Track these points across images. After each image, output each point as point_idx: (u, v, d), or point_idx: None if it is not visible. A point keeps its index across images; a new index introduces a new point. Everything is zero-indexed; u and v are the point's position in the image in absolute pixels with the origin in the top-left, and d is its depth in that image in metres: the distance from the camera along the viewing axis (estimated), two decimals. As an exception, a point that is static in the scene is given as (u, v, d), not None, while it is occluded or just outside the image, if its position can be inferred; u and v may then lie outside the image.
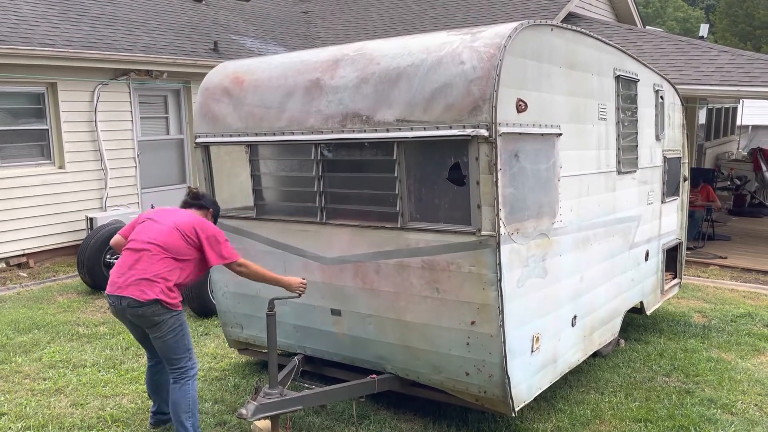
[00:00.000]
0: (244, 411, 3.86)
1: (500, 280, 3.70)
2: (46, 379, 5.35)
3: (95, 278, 7.88)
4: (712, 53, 10.68)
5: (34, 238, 9.39)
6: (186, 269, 3.99)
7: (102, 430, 4.50)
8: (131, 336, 6.28)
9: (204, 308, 6.82)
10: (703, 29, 16.86)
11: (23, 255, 9.34)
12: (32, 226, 9.33)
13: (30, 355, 5.87)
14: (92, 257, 7.82)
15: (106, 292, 4.04)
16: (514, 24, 3.82)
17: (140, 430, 4.47)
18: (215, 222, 4.38)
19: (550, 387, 4.43)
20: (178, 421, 4.00)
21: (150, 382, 4.38)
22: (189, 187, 4.54)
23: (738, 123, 20.77)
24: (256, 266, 4.14)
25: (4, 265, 9.15)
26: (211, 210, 4.39)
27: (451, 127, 3.70)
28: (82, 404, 4.89)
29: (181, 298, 4.01)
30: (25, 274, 9.00)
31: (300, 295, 4.20)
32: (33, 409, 4.81)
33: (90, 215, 9.48)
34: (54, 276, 8.96)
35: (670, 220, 6.55)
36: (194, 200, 4.36)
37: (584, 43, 4.65)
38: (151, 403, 4.58)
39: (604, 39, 4.99)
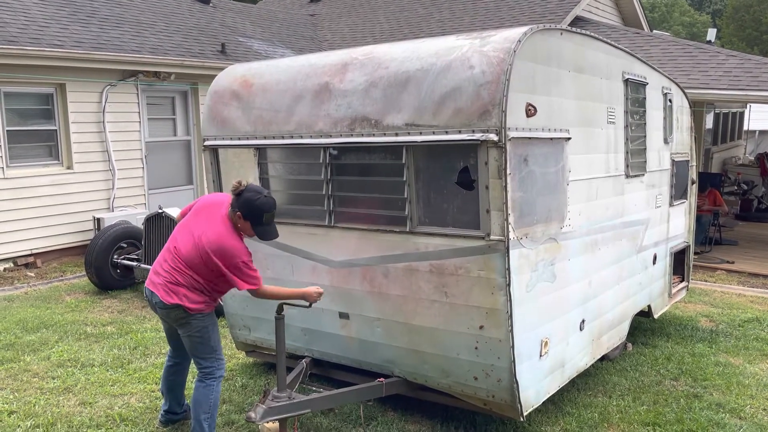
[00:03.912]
0: (252, 414, 3.87)
1: (509, 284, 3.71)
2: (54, 378, 5.38)
3: (103, 278, 7.92)
4: (720, 57, 10.66)
5: (42, 238, 9.44)
6: (210, 282, 3.93)
7: (110, 429, 4.52)
8: (139, 336, 6.37)
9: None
10: (711, 33, 16.79)
11: (31, 255, 9.38)
12: (40, 226, 9.38)
13: (38, 354, 5.90)
14: (100, 257, 7.86)
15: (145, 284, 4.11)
16: (524, 28, 3.82)
17: (149, 429, 4.49)
18: (256, 221, 3.88)
19: (557, 390, 4.43)
20: (196, 419, 4.03)
21: (166, 380, 4.41)
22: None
23: (745, 128, 20.70)
24: (272, 289, 3.99)
25: (12, 265, 9.20)
26: (239, 213, 3.86)
27: (460, 132, 3.71)
28: (90, 403, 4.92)
29: (207, 301, 3.96)
30: (32, 274, 9.04)
31: (311, 305, 4.09)
32: (42, 407, 4.83)
33: (97, 215, 9.53)
34: (61, 276, 9.00)
35: (678, 223, 6.54)
36: (234, 198, 3.90)
37: (593, 47, 4.65)
38: (161, 402, 4.59)
39: (612, 42, 4.99)
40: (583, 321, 4.63)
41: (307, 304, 4.08)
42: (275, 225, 4.02)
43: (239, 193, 3.90)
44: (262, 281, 3.92)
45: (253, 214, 3.86)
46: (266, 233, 3.97)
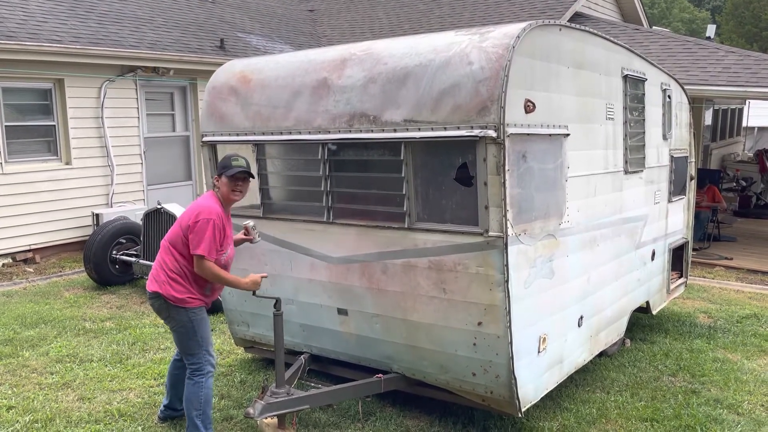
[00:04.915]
0: (251, 410, 3.88)
1: (507, 281, 3.71)
2: (53, 374, 5.38)
3: (102, 274, 7.92)
4: (720, 54, 10.65)
5: (41, 234, 9.43)
6: (190, 262, 3.92)
7: (109, 424, 4.52)
8: (137, 331, 6.37)
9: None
10: (711, 30, 16.77)
11: (29, 250, 9.38)
12: (38, 221, 9.38)
13: (37, 350, 5.91)
14: (99, 253, 7.86)
15: None
16: (523, 24, 3.82)
17: (147, 424, 4.50)
18: (227, 168, 3.97)
19: (556, 386, 4.44)
20: (189, 417, 4.04)
21: (170, 375, 4.42)
22: None
23: (744, 124, 20.70)
24: (215, 269, 3.90)
25: (11, 260, 9.19)
26: (215, 176, 4.05)
27: (459, 128, 3.71)
28: (89, 398, 4.92)
29: (191, 292, 3.95)
30: (31, 269, 9.04)
31: (255, 292, 4.06)
32: (40, 402, 4.84)
33: (96, 211, 9.51)
34: (60, 271, 9.00)
35: (677, 220, 6.54)
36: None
37: (592, 43, 4.65)
38: (159, 397, 4.59)
39: (611, 38, 4.98)
40: (581, 317, 4.63)
41: (251, 292, 4.09)
42: (239, 162, 4.06)
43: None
44: (215, 258, 3.88)
45: (223, 165, 4.05)
46: (236, 168, 4.00)
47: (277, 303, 4.08)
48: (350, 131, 4.17)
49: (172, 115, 11.36)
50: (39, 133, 9.50)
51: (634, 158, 5.34)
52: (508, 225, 3.68)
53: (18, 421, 4.56)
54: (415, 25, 14.92)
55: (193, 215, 3.90)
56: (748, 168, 16.12)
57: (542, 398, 4.33)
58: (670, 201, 6.24)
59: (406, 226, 4.07)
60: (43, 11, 10.01)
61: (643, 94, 5.47)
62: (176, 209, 7.42)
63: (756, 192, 15.03)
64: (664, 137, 6.02)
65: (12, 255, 9.22)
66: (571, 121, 4.31)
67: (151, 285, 3.99)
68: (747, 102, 19.05)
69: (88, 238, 8.31)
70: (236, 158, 4.05)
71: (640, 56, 5.50)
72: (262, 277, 4.07)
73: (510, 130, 3.64)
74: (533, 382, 4.07)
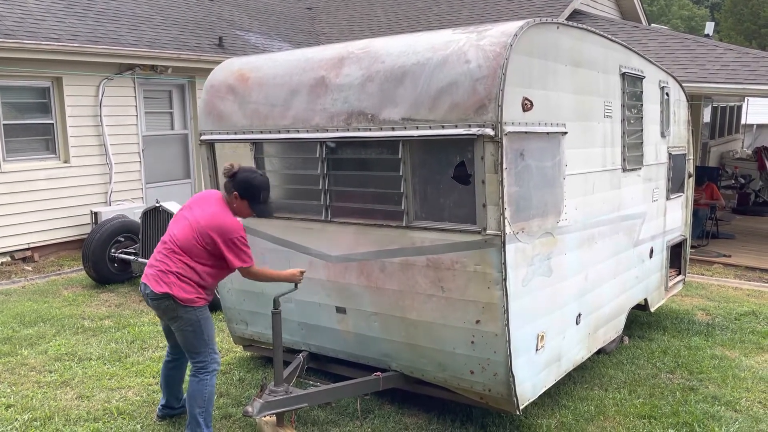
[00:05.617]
0: (249, 409, 3.89)
1: (505, 279, 3.71)
2: (51, 372, 5.38)
3: (100, 272, 7.92)
4: (718, 51, 10.65)
5: (39, 232, 9.43)
6: (206, 268, 3.94)
7: (108, 422, 4.53)
8: (136, 329, 6.37)
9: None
10: (709, 27, 16.78)
11: (28, 249, 9.38)
12: (37, 220, 9.38)
13: (36, 348, 5.91)
14: (97, 251, 7.86)
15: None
16: (521, 22, 3.82)
17: (146, 422, 4.50)
18: (254, 199, 3.99)
19: (554, 383, 4.45)
20: (191, 414, 4.03)
21: (164, 376, 4.43)
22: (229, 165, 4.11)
23: (743, 122, 20.71)
24: (261, 270, 4.09)
25: (9, 259, 9.19)
26: (236, 193, 3.97)
27: (456, 126, 3.71)
28: (87, 397, 4.93)
29: (199, 294, 3.96)
30: (29, 268, 9.04)
31: (297, 285, 4.16)
32: (39, 401, 4.85)
33: (94, 209, 9.50)
34: (59, 270, 9.00)
35: (675, 217, 6.55)
36: (228, 180, 4.02)
37: (590, 41, 4.65)
38: (158, 395, 4.59)
39: (609, 36, 4.98)
40: (579, 315, 4.64)
41: (293, 286, 4.16)
42: (271, 204, 4.16)
43: (233, 175, 4.01)
44: (253, 260, 4.01)
45: (252, 192, 4.00)
46: (264, 211, 4.13)
47: (276, 301, 4.08)
48: (348, 130, 4.17)
49: (170, 113, 11.35)
50: (37, 131, 9.50)
51: (632, 156, 5.35)
52: (506, 223, 3.68)
53: (17, 419, 4.56)
54: (413, 22, 14.91)
55: (218, 233, 3.85)
56: (747, 165, 16.13)
57: (540, 396, 4.34)
58: (668, 198, 6.25)
59: (404, 224, 4.07)
60: (40, 9, 10.00)
61: (641, 92, 5.47)
62: (174, 207, 7.42)
63: (754, 189, 15.05)
64: (662, 135, 6.02)
65: (10, 253, 9.22)
66: (569, 119, 4.31)
67: (157, 287, 3.91)
68: (746, 99, 19.05)
69: (86, 236, 8.30)
70: (268, 189, 4.07)
71: (639, 54, 5.50)
72: (301, 272, 4.15)
73: (507, 129, 3.64)
74: (531, 379, 4.08)
